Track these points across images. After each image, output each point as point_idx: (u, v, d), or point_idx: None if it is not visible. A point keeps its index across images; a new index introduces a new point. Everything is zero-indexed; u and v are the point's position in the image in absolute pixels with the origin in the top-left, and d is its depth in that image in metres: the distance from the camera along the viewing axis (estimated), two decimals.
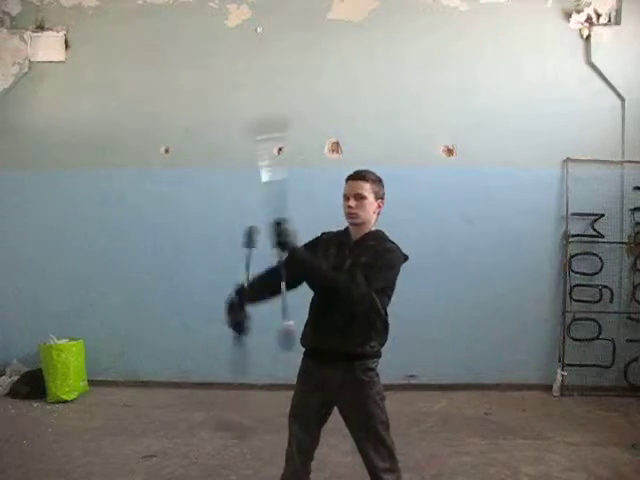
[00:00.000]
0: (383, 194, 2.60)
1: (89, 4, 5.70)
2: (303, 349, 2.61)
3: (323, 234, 2.68)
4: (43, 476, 3.70)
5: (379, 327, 2.51)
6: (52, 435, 4.42)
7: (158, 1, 5.65)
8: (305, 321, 2.60)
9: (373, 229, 2.59)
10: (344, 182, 2.60)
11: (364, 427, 2.49)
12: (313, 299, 2.59)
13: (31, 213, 5.75)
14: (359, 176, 2.56)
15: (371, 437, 2.48)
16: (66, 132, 5.69)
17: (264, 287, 2.46)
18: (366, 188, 2.52)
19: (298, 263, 2.33)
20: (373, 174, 2.58)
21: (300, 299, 2.51)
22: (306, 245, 2.51)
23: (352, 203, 2.51)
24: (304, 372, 2.62)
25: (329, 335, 2.48)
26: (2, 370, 5.59)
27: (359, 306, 2.38)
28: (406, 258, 2.53)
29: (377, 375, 2.54)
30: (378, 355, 2.56)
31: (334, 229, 2.69)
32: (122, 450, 4.11)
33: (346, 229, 2.62)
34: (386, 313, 2.53)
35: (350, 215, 2.53)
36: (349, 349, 2.47)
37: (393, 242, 2.55)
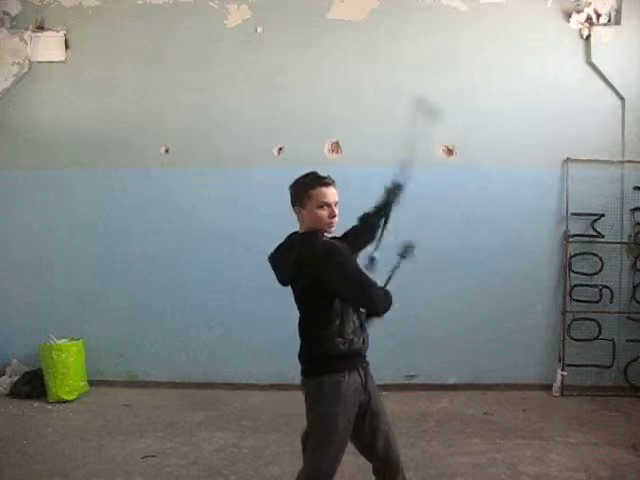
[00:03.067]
0: None
1: (89, 4, 5.70)
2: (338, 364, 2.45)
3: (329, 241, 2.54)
4: (43, 476, 3.70)
5: None
6: (52, 435, 4.42)
7: (158, 1, 5.65)
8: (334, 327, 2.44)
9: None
10: (308, 189, 2.50)
11: (385, 416, 2.54)
12: (331, 307, 2.43)
13: (31, 213, 5.74)
14: (332, 183, 2.50)
15: (390, 426, 2.54)
16: (66, 132, 5.69)
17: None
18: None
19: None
20: None
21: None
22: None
23: (336, 211, 2.45)
24: (346, 388, 2.42)
25: (364, 333, 2.52)
26: (2, 370, 5.59)
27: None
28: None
29: None
30: None
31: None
32: (122, 450, 4.11)
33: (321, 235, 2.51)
34: None
35: (333, 224, 2.47)
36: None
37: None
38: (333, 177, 2.54)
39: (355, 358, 2.47)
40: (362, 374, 2.47)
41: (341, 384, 2.40)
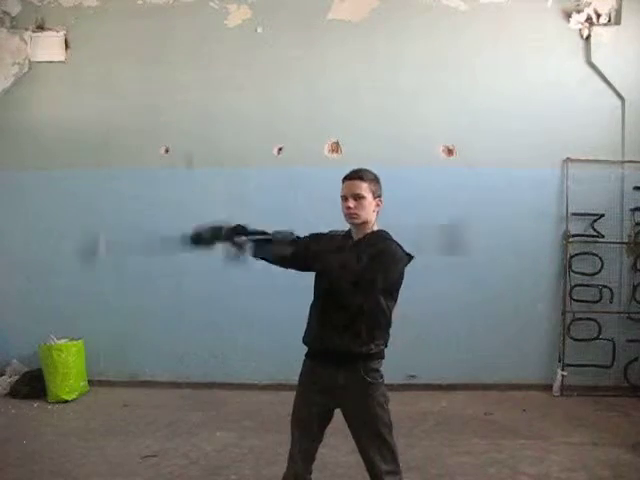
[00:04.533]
0: (381, 192, 2.56)
1: (89, 4, 5.70)
2: (305, 349, 2.61)
3: (331, 231, 2.66)
4: (43, 476, 3.70)
5: (383, 326, 2.52)
6: (52, 435, 4.42)
7: (158, 1, 5.65)
8: (307, 319, 2.60)
9: (375, 229, 2.56)
10: (343, 182, 2.56)
11: (368, 430, 2.48)
12: (316, 296, 2.57)
13: (31, 213, 5.75)
14: (356, 176, 2.53)
15: (375, 440, 2.47)
16: (66, 132, 5.69)
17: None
18: (364, 187, 2.50)
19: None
20: (370, 173, 2.56)
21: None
22: (315, 235, 2.61)
23: (351, 203, 2.48)
24: (306, 374, 2.60)
25: (334, 333, 2.44)
26: (2, 370, 5.59)
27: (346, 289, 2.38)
28: (410, 258, 2.51)
29: (382, 376, 2.54)
30: (382, 355, 2.56)
31: (334, 229, 2.67)
32: (122, 450, 4.11)
33: (349, 231, 2.60)
34: (390, 314, 2.52)
35: (350, 216, 2.50)
36: (353, 348, 2.45)
37: (396, 242, 2.51)
38: (362, 172, 2.57)
39: (309, 349, 2.59)
40: (321, 371, 2.50)
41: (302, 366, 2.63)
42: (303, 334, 2.60)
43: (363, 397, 2.47)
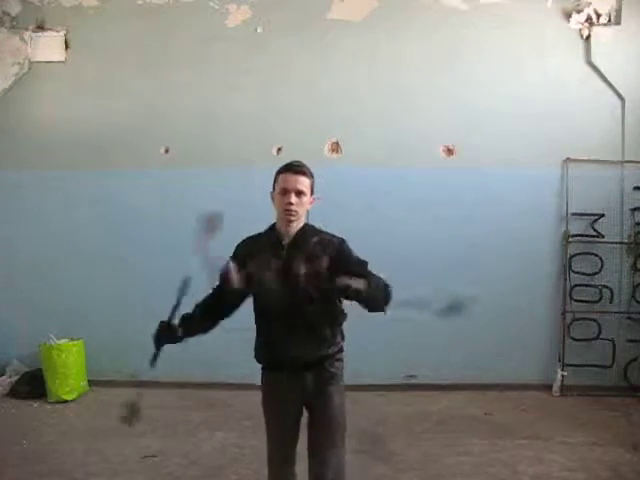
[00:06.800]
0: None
1: (89, 4, 5.70)
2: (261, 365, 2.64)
3: (239, 246, 2.59)
4: (43, 476, 3.70)
5: (342, 322, 2.51)
6: (52, 435, 4.42)
7: (158, 1, 5.65)
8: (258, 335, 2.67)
9: (301, 224, 2.45)
10: (277, 174, 2.45)
11: (325, 430, 2.48)
12: (266, 314, 2.61)
13: (31, 213, 5.75)
14: (300, 170, 2.39)
15: (328, 441, 2.46)
16: (66, 132, 5.70)
17: (199, 325, 2.69)
18: (306, 184, 2.39)
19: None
20: (309, 168, 2.46)
21: None
22: (235, 256, 2.58)
23: (293, 199, 2.34)
24: (273, 384, 2.59)
25: (299, 343, 2.44)
26: (2, 370, 5.59)
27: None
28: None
29: (342, 368, 2.52)
30: (342, 349, 2.54)
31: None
32: (122, 450, 4.10)
33: (271, 227, 2.50)
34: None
35: (290, 212, 2.36)
36: (321, 351, 2.46)
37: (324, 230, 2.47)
38: (305, 168, 2.48)
39: (271, 361, 2.61)
40: (290, 378, 2.49)
41: (262, 379, 2.64)
42: (256, 351, 2.65)
43: (329, 406, 2.45)
